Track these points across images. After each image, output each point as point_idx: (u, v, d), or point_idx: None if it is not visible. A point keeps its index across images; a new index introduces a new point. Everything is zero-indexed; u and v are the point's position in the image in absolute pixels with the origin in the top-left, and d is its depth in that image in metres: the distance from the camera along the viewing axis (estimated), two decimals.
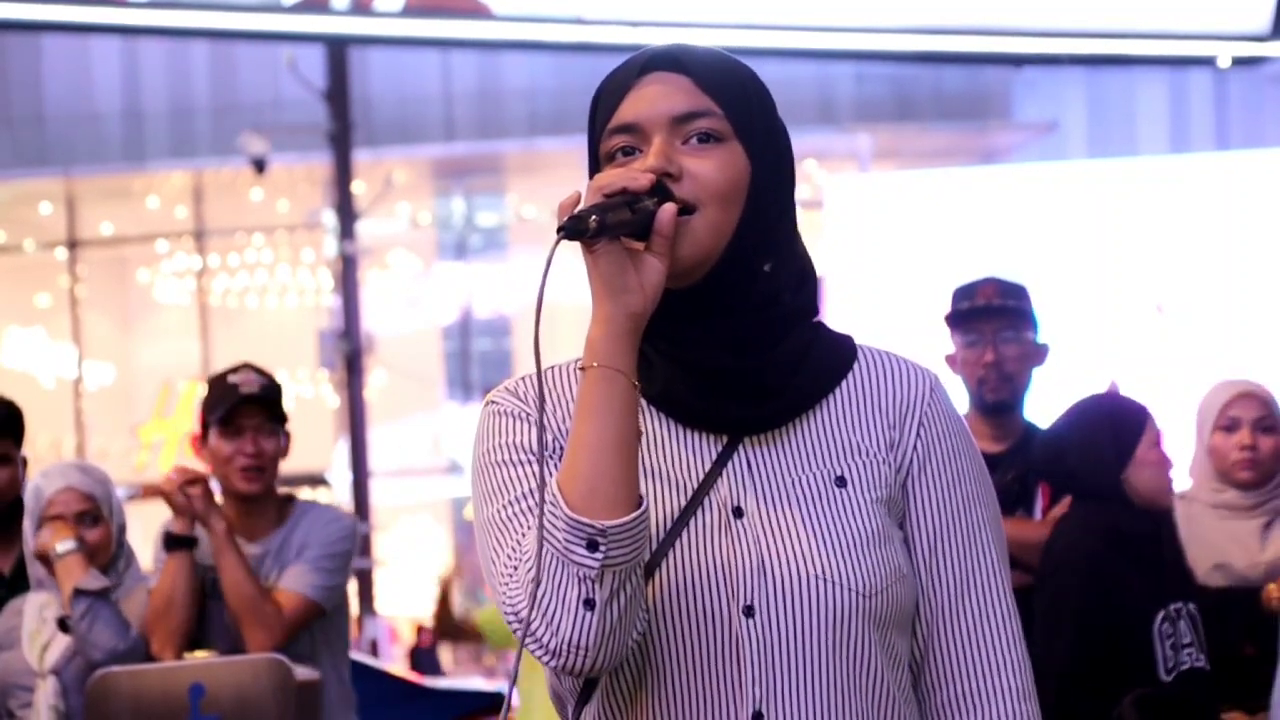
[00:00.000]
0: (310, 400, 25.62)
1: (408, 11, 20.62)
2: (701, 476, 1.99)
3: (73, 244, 26.43)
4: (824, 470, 2.00)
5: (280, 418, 4.73)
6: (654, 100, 1.98)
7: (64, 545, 4.59)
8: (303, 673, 4.40)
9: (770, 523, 1.97)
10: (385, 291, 25.55)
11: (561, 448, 2.00)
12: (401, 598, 25.12)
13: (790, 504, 1.98)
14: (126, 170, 25.35)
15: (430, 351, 26.80)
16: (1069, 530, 4.21)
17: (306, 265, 26.21)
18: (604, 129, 2.00)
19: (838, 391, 2.03)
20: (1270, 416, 4.65)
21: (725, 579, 1.94)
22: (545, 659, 1.88)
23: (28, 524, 4.71)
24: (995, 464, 4.64)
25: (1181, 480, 4.48)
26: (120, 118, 25.29)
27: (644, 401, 2.00)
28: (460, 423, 24.71)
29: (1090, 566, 4.14)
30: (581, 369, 1.91)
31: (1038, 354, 4.74)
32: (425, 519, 26.81)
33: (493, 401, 2.04)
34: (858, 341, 2.08)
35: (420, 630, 21.63)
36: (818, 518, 1.97)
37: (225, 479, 4.72)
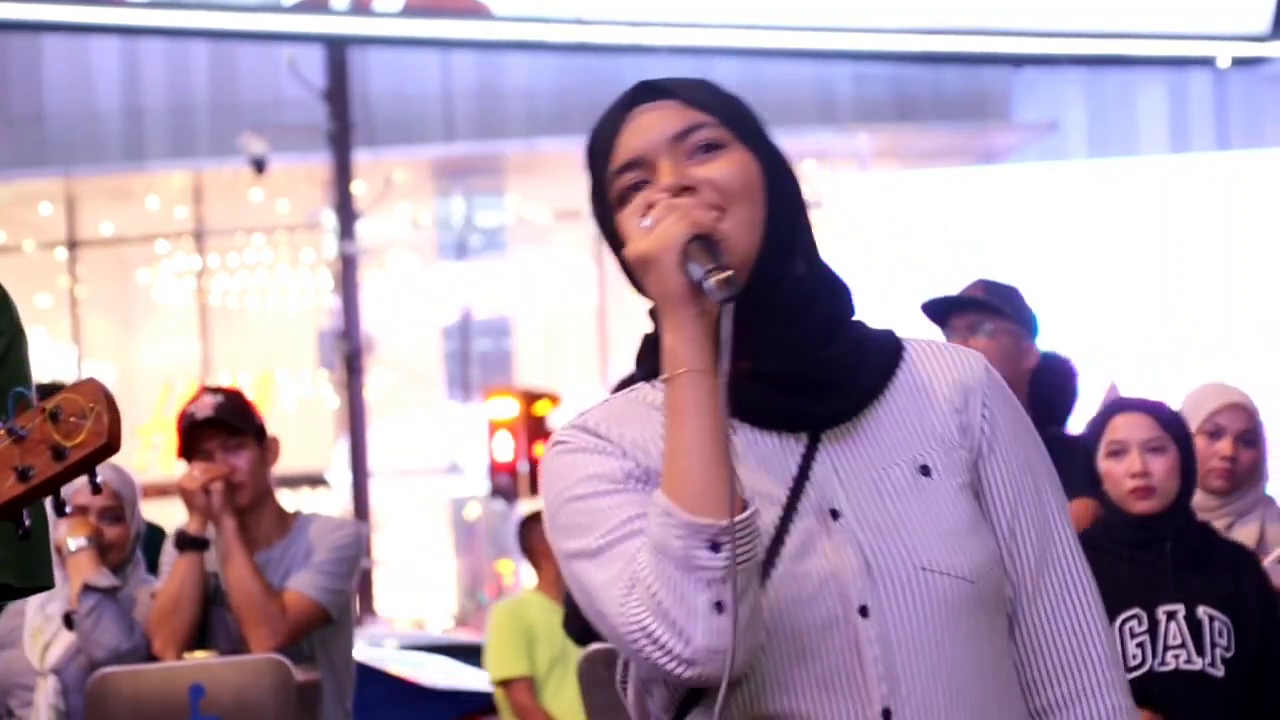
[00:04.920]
0: (310, 400, 25.64)
1: (408, 11, 20.65)
2: (790, 484, 1.99)
3: (73, 244, 26.46)
4: (907, 460, 2.02)
5: (242, 431, 4.70)
6: (648, 128, 2.01)
7: (76, 542, 4.60)
8: (302, 673, 4.40)
9: (868, 520, 1.98)
10: (385, 291, 25.56)
11: (642, 475, 2.00)
12: (401, 598, 25.14)
13: (883, 498, 1.99)
14: (126, 170, 25.38)
15: (430, 351, 26.80)
16: None
17: (306, 265, 26.23)
18: (608, 173, 2.03)
19: (899, 382, 2.05)
20: (1253, 430, 4.66)
21: (836, 584, 1.95)
22: (681, 671, 1.88)
23: (50, 512, 4.69)
24: None
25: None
26: (120, 117, 25.31)
27: None
28: (460, 423, 24.71)
29: None
30: (665, 380, 1.93)
31: (1020, 351, 4.68)
32: (425, 519, 26.83)
33: (561, 441, 2.03)
34: (899, 335, 2.11)
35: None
36: (914, 508, 1.99)
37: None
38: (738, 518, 1.86)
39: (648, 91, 2.03)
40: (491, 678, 6.92)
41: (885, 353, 2.06)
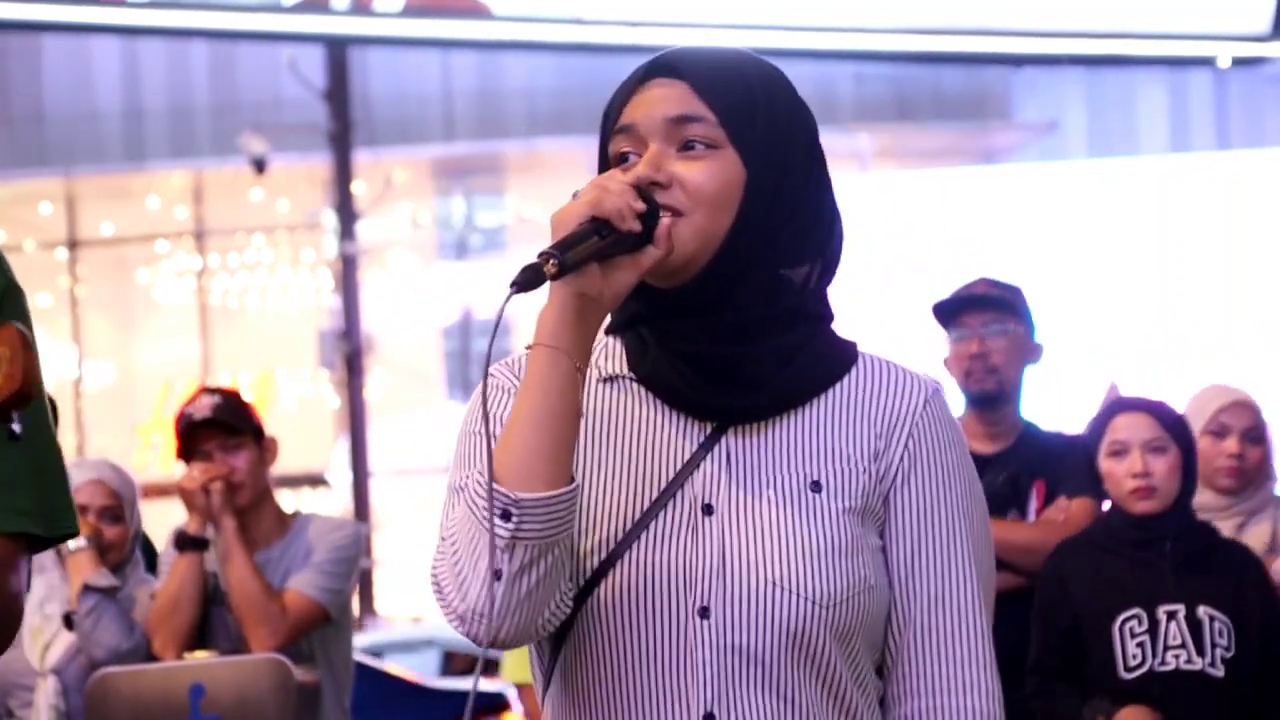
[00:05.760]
0: (310, 400, 25.64)
1: (408, 11, 20.62)
2: (679, 468, 1.99)
3: (73, 244, 26.46)
4: (801, 473, 1.99)
5: (240, 431, 4.70)
6: (650, 105, 2.00)
7: (75, 542, 4.60)
8: (302, 673, 4.41)
9: (738, 523, 1.96)
10: (385, 291, 25.57)
11: None
12: (401, 598, 25.14)
13: (761, 505, 1.97)
14: (126, 170, 25.38)
15: (430, 351, 26.81)
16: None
17: (306, 265, 26.23)
18: (610, 131, 2.04)
19: (830, 395, 2.02)
20: (1258, 428, 4.67)
21: (684, 578, 1.95)
22: (454, 625, 1.93)
23: None
24: (988, 465, 4.62)
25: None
26: (120, 117, 25.31)
27: (635, 384, 2.03)
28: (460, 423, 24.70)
29: (1050, 567, 4.28)
30: (528, 347, 1.95)
31: (1029, 350, 4.70)
32: (425, 519, 26.83)
33: (490, 374, 2.06)
34: (862, 350, 2.07)
35: None
36: (787, 522, 1.96)
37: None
38: (533, 494, 1.88)
39: (665, 66, 2.02)
40: (506, 678, 6.92)
41: (826, 363, 2.02)
